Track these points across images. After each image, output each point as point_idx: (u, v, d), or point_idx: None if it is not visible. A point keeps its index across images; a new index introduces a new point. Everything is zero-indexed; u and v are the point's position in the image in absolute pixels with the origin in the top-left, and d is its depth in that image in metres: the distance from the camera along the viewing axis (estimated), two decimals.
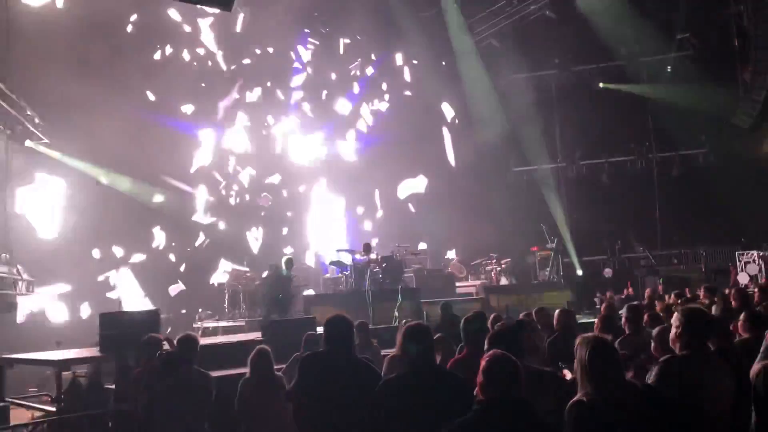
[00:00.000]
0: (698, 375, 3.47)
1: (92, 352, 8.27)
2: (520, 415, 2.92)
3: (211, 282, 17.81)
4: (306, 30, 21.13)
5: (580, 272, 20.44)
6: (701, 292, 11.34)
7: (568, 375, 4.38)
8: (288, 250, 18.80)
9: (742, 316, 5.19)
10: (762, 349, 4.32)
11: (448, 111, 22.67)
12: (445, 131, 22.57)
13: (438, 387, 3.61)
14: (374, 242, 17.94)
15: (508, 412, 2.90)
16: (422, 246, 18.97)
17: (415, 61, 22.41)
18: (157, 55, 18.29)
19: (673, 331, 3.73)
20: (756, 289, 8.64)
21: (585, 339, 3.26)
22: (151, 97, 17.65)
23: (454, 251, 20.08)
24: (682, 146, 22.56)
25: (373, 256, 15.36)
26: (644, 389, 3.35)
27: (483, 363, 3.07)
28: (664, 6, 20.99)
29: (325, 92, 21.51)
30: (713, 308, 7.12)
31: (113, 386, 7.51)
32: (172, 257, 18.02)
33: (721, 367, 3.65)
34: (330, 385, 4.11)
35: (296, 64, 21.21)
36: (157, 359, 5.77)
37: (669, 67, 22.06)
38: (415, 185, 21.65)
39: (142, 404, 5.50)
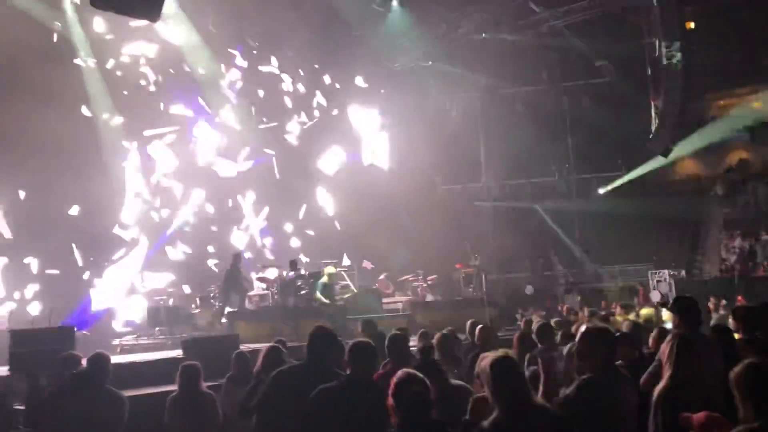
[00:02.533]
0: (611, 395, 3.58)
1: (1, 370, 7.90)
2: None
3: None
4: (237, 45, 20.95)
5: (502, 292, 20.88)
6: (617, 309, 11.88)
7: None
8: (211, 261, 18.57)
9: (654, 332, 5.45)
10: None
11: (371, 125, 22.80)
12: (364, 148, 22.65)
13: (372, 399, 3.61)
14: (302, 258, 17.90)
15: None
16: (346, 262, 18.98)
17: (337, 85, 22.49)
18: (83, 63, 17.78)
19: (582, 349, 3.82)
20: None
21: (488, 357, 3.26)
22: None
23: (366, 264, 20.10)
24: (600, 169, 23.56)
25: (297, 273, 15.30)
26: (553, 413, 3.33)
27: (393, 386, 3.08)
28: (586, 35, 21.93)
29: (253, 108, 21.33)
30: (624, 324, 7.44)
31: (23, 407, 7.18)
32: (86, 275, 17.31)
33: (629, 384, 3.79)
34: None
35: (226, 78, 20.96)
36: (67, 379, 5.54)
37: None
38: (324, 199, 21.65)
39: (52, 426, 5.28)
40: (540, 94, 23.61)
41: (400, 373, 3.19)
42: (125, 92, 18.37)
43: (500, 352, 3.27)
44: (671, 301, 5.57)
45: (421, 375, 3.18)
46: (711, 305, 12.43)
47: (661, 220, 21.29)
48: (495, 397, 3.13)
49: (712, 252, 21.60)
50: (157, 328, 15.28)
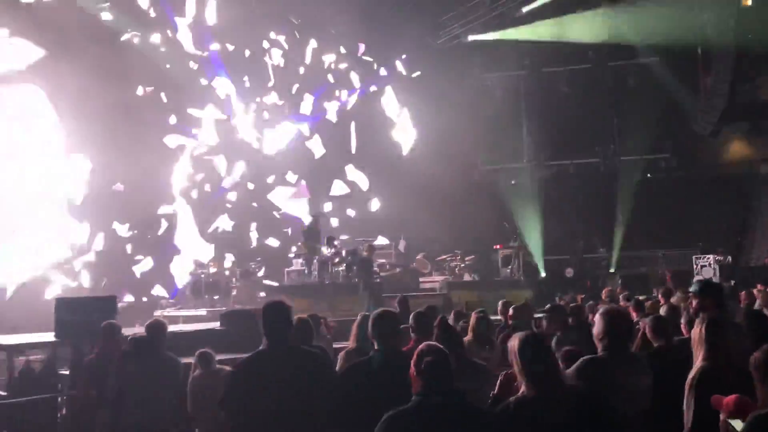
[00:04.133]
0: (614, 376, 3.60)
1: (46, 337, 8.18)
2: (456, 405, 2.99)
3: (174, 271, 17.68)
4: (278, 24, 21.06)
5: (543, 273, 20.68)
6: (659, 294, 11.63)
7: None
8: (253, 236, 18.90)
9: (683, 317, 5.35)
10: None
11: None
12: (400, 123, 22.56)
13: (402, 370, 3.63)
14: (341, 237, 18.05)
15: (444, 402, 2.98)
16: (383, 241, 19.02)
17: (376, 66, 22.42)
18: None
19: (595, 332, 3.88)
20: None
21: (517, 334, 3.31)
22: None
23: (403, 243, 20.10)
24: (646, 151, 22.99)
25: (336, 249, 15.43)
26: (582, 390, 3.35)
27: (416, 355, 3.13)
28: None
29: (296, 86, 21.43)
30: (662, 308, 7.30)
31: (67, 372, 7.45)
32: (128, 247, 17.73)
33: (637, 368, 3.80)
34: (272, 389, 3.80)
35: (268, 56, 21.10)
36: (128, 344, 5.79)
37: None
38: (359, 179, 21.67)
39: (112, 389, 5.49)
40: (585, 73, 23.09)
41: (422, 344, 3.25)
42: (168, 65, 18.65)
43: (527, 332, 3.31)
44: (695, 286, 5.50)
45: (441, 346, 3.22)
46: (756, 292, 12.07)
47: (709, 203, 20.77)
48: (523, 374, 3.16)
49: (761, 238, 21.02)
50: (197, 301, 15.63)
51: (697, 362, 3.71)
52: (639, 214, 22.05)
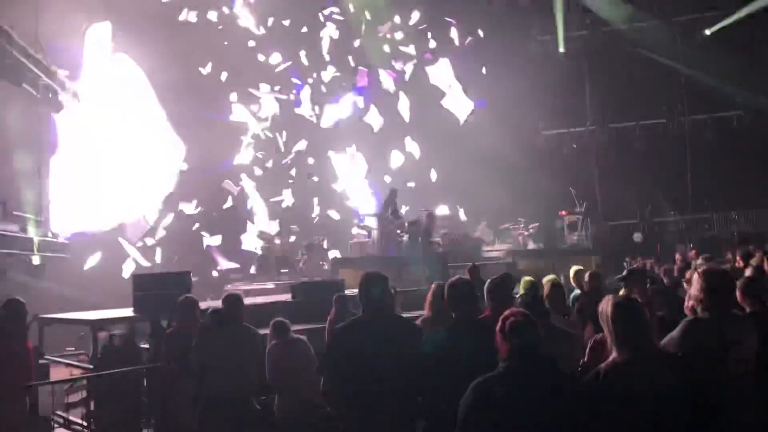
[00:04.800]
0: (720, 336, 3.47)
1: (126, 312, 8.46)
2: (544, 370, 2.94)
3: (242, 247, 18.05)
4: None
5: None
6: (738, 257, 11.17)
7: (588, 331, 4.36)
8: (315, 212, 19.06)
9: None
10: None
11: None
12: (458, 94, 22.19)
13: (481, 338, 3.61)
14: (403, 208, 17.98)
15: (533, 367, 2.92)
16: (444, 210, 18.88)
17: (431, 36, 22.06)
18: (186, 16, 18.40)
19: (695, 293, 3.74)
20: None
21: (609, 299, 3.22)
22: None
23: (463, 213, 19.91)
24: (716, 108, 22.02)
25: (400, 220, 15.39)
26: (674, 357, 3.30)
27: (501, 321, 3.08)
28: None
29: (351, 57, 21.35)
30: (747, 270, 7.01)
31: (147, 346, 7.69)
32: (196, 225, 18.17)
33: (743, 327, 3.64)
34: (370, 354, 3.90)
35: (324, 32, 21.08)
36: (208, 317, 5.93)
37: (707, 31, 21.41)
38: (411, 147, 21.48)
39: (194, 362, 5.65)
40: (650, 31, 22.13)
41: (508, 310, 3.19)
42: (225, 43, 18.84)
43: (621, 296, 3.20)
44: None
45: (528, 312, 3.15)
46: None
47: None
48: (616, 340, 3.08)
49: None
50: (265, 275, 15.91)
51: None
52: (709, 175, 21.24)
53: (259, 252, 16.32)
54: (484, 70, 21.72)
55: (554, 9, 21.67)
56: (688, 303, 4.62)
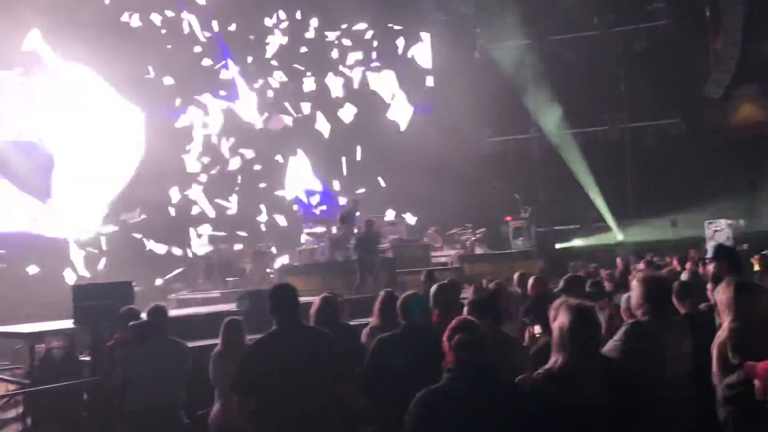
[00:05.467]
0: (659, 340, 3.58)
1: (65, 324, 8.20)
2: (489, 380, 2.95)
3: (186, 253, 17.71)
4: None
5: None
6: (674, 261, 11.58)
7: (537, 329, 4.42)
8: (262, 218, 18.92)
9: (710, 284, 5.30)
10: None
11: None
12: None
13: (430, 343, 3.62)
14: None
15: (477, 378, 2.93)
16: (390, 215, 18.96)
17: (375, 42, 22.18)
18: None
19: (634, 299, 3.84)
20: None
21: (568, 304, 3.21)
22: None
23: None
24: (655, 116, 22.78)
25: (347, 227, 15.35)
26: (613, 362, 3.34)
27: (448, 330, 3.07)
28: None
29: (299, 65, 21.28)
30: (683, 274, 7.26)
31: (88, 358, 7.48)
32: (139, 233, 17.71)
33: (680, 331, 3.78)
34: (285, 370, 3.80)
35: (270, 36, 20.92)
36: (130, 330, 5.73)
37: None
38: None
39: (119, 376, 5.49)
40: (591, 40, 22.77)
41: (457, 319, 3.18)
42: (169, 46, 18.51)
43: (578, 303, 3.22)
44: (713, 251, 5.46)
45: (476, 321, 3.17)
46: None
47: (719, 168, 20.57)
48: (566, 344, 3.09)
49: None
50: (210, 283, 15.66)
51: (725, 325, 3.66)
52: (649, 180, 21.94)
53: (203, 260, 16.06)
54: (431, 80, 21.89)
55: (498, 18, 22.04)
56: (624, 306, 4.76)
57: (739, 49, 18.76)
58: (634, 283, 3.92)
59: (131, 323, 5.81)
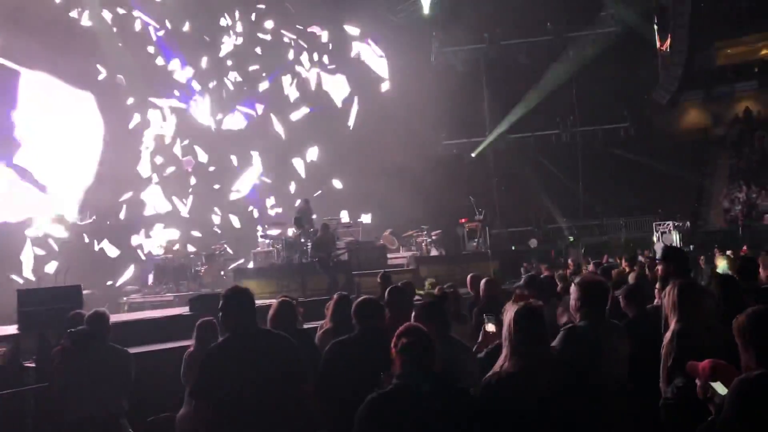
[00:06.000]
0: (597, 344, 3.61)
1: (10, 329, 7.97)
2: (435, 385, 2.95)
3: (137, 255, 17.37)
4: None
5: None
6: (622, 262, 11.87)
7: (490, 327, 4.44)
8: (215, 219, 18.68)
9: (658, 285, 5.43)
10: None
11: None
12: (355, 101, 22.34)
13: (383, 348, 3.63)
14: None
15: (423, 383, 2.93)
16: (345, 217, 18.97)
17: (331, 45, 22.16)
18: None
19: (572, 302, 3.86)
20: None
21: (515, 305, 3.20)
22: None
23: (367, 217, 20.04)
24: (605, 120, 23.33)
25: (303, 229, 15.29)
26: (558, 358, 3.34)
27: (395, 335, 3.07)
28: None
29: (253, 67, 21.12)
30: (630, 276, 7.44)
31: (33, 365, 7.26)
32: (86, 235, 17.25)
33: (617, 334, 3.83)
34: (243, 375, 3.75)
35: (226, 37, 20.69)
36: (67, 337, 5.56)
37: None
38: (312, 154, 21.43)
39: (57, 384, 5.32)
40: (544, 45, 23.22)
41: (404, 325, 3.17)
42: (120, 44, 18.12)
43: (525, 303, 3.23)
44: (662, 252, 5.58)
45: (422, 327, 3.17)
46: (717, 255, 12.39)
47: (666, 171, 21.18)
48: (514, 347, 3.09)
49: (717, 203, 21.55)
50: (163, 286, 15.40)
51: (671, 326, 3.76)
52: (599, 183, 22.46)
53: (155, 262, 15.77)
54: (387, 84, 21.95)
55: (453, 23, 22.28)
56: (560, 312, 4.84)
57: (685, 56, 19.33)
58: (572, 287, 3.94)
59: (69, 330, 5.64)
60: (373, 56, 22.25)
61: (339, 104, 21.53)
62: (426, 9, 22.18)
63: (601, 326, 3.75)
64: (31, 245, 15.93)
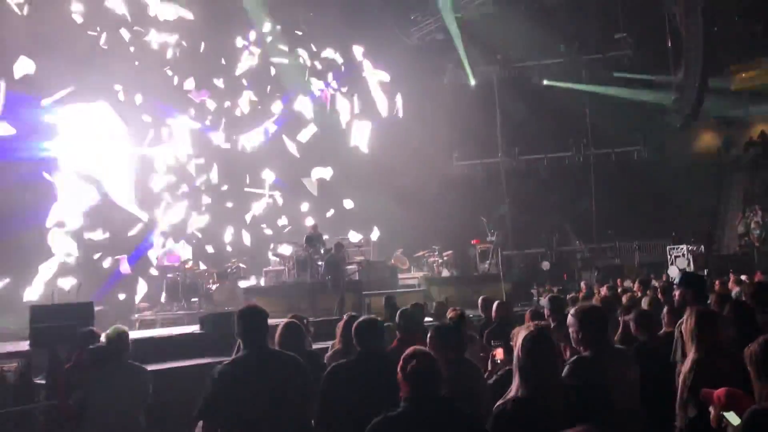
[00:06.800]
0: (604, 373, 3.54)
1: (21, 346, 8.00)
2: (443, 410, 2.94)
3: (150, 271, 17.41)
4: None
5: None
6: (635, 285, 11.78)
7: (499, 353, 4.40)
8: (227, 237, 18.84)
9: (665, 310, 5.38)
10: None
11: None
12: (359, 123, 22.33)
13: (385, 373, 3.57)
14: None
15: (431, 408, 2.92)
16: (356, 236, 18.97)
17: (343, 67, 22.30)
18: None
19: (572, 333, 3.76)
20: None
21: (524, 330, 3.16)
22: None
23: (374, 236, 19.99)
24: (618, 143, 23.28)
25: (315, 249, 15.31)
26: (570, 388, 3.27)
27: (402, 359, 3.05)
28: (603, 6, 21.59)
29: (269, 87, 21.29)
30: (644, 301, 7.38)
31: (44, 381, 7.28)
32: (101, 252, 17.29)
33: (625, 361, 3.77)
34: (253, 397, 3.74)
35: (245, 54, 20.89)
36: (86, 354, 5.57)
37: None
38: (323, 173, 21.41)
39: (75, 401, 5.32)
40: (557, 67, 23.29)
41: (409, 348, 3.15)
42: (136, 62, 18.31)
43: (534, 325, 3.19)
44: (679, 278, 5.51)
45: (428, 350, 3.16)
46: (732, 282, 12.25)
47: (680, 194, 21.07)
48: (524, 373, 3.06)
49: (731, 227, 21.36)
50: (174, 304, 15.43)
51: (690, 355, 3.71)
52: (612, 206, 22.34)
53: (167, 280, 15.80)
54: (399, 103, 22.01)
55: (464, 44, 22.40)
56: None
57: (699, 79, 19.30)
58: (569, 318, 3.84)
59: (89, 347, 5.65)
60: (381, 77, 22.29)
61: (351, 124, 21.58)
62: (441, 32, 22.34)
63: (606, 353, 3.68)
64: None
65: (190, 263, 16.73)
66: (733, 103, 23.33)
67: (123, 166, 17.40)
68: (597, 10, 21.83)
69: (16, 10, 15.45)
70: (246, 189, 20.30)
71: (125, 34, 18.26)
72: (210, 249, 18.85)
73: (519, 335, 3.18)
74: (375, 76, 21.86)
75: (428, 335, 4.18)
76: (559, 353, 3.94)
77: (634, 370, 3.76)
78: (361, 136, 21.35)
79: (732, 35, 21.19)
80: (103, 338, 5.58)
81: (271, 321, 4.14)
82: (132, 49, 18.49)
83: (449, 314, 6.44)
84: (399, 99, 22.09)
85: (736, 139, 24.33)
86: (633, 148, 23.15)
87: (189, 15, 18.94)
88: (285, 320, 5.12)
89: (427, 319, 7.84)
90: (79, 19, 17.01)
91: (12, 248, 14.86)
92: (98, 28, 17.68)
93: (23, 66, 15.04)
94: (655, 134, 22.82)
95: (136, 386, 5.30)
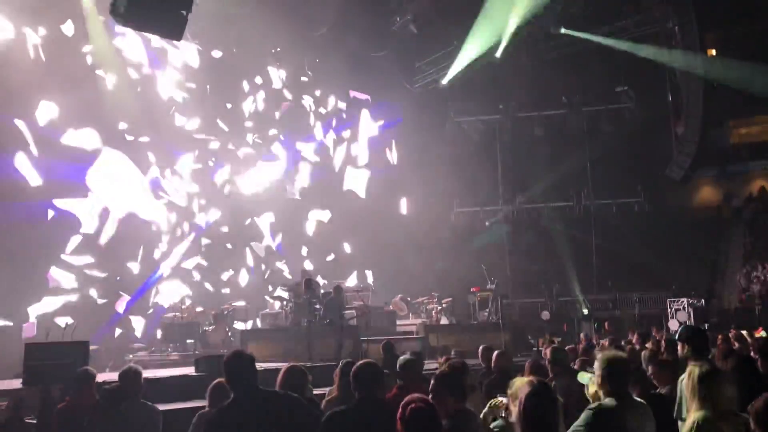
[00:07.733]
0: (624, 423, 3.53)
1: (12, 384, 7.89)
2: None
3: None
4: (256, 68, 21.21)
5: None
6: (634, 338, 11.69)
7: (498, 422, 4.35)
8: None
9: (651, 369, 5.33)
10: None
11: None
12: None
13: (382, 420, 3.56)
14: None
15: None
16: (353, 280, 18.89)
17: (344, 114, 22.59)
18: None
19: (597, 379, 3.78)
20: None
21: (525, 383, 3.11)
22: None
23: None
24: (618, 194, 23.39)
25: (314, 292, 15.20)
26: None
27: (401, 407, 3.02)
28: (605, 59, 21.95)
29: (272, 131, 21.52)
30: (643, 354, 7.30)
31: (34, 421, 7.16)
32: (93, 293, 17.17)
33: (643, 412, 3.74)
34: None
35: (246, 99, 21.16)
36: (100, 394, 5.55)
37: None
38: (321, 215, 21.44)
39: None
40: (559, 118, 23.58)
41: (408, 396, 3.13)
42: (142, 103, 18.50)
43: (536, 380, 3.14)
44: (681, 331, 5.47)
45: (428, 399, 3.13)
46: (731, 335, 12.17)
47: (681, 247, 21.08)
48: (525, 426, 2.99)
49: (731, 280, 21.32)
50: (170, 344, 15.28)
51: (691, 413, 3.65)
52: (612, 257, 22.32)
53: (163, 320, 15.69)
54: (399, 149, 22.17)
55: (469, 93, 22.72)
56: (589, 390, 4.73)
57: (699, 133, 19.52)
58: (596, 362, 3.87)
59: (103, 387, 5.64)
60: (385, 123, 22.51)
61: (353, 169, 21.69)
62: (445, 81, 22.65)
63: (627, 403, 3.67)
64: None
65: (188, 304, 16.62)
66: (733, 157, 23.55)
67: (127, 203, 17.41)
68: (599, 63, 22.19)
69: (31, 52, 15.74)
70: (246, 231, 20.32)
71: (133, 74, 18.53)
72: (209, 288, 18.76)
73: (520, 388, 3.14)
74: (368, 129, 22.07)
75: (431, 383, 4.13)
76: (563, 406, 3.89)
77: (653, 422, 3.73)
78: (357, 182, 21.46)
79: (731, 90, 21.49)
80: (116, 377, 5.57)
81: (267, 365, 4.11)
82: (139, 89, 18.74)
83: (442, 360, 6.38)
84: (394, 147, 22.29)
85: (738, 193, 24.49)
86: (634, 199, 23.26)
87: (195, 62, 19.27)
88: (285, 367, 5.06)
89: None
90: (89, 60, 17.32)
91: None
92: (105, 68, 17.98)
93: (46, 110, 15.34)
94: (655, 186, 22.96)
95: (148, 425, 5.30)
